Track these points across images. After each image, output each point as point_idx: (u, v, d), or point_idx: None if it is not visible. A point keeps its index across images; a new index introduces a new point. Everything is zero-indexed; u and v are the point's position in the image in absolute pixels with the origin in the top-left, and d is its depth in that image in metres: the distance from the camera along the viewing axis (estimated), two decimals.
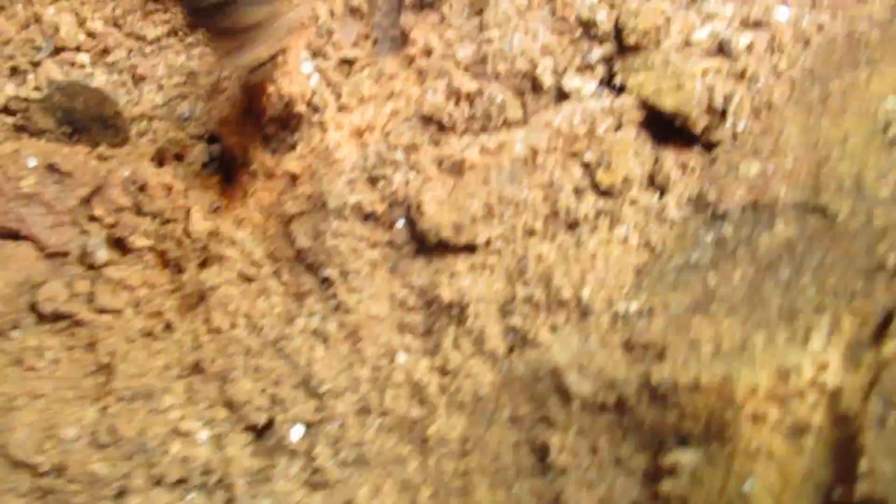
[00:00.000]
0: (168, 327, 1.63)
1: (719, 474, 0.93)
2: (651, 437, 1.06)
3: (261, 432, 1.61)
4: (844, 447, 0.84)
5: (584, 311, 1.28)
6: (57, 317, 1.63)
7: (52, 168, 1.56)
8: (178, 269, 1.69)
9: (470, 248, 1.38)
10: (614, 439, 1.12)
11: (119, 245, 1.67)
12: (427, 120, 1.47)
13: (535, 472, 1.23)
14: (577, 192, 1.34)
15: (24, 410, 1.53)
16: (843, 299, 0.93)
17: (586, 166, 1.36)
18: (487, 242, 1.36)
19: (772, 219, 1.12)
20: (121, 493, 1.55)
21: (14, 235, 1.56)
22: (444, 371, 1.39)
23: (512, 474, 1.26)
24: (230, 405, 1.57)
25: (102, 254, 1.64)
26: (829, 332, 0.92)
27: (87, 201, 1.63)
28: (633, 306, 1.22)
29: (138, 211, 1.67)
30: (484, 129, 1.43)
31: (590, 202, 1.33)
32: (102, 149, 1.69)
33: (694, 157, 1.31)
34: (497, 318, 1.36)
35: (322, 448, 1.46)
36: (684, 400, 0.99)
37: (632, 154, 1.33)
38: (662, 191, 1.32)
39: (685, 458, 0.98)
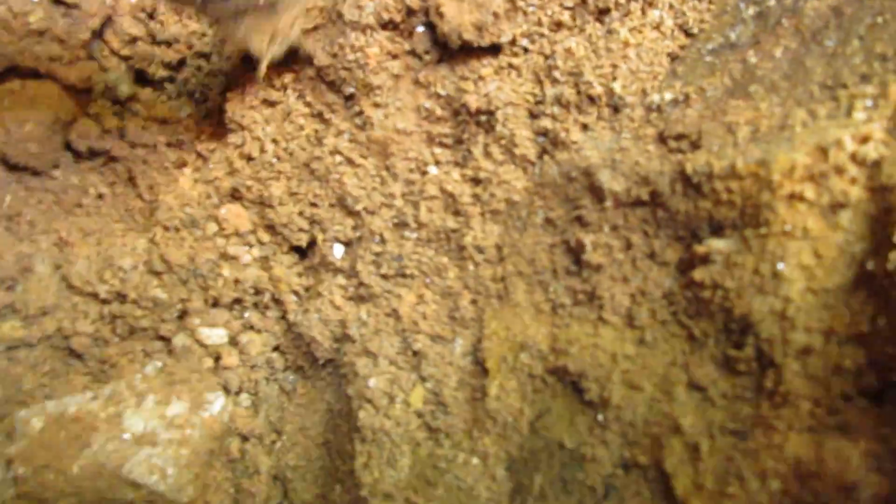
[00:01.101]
0: (201, 157, 1.64)
1: (752, 257, 0.92)
2: (684, 229, 1.05)
3: (304, 252, 1.66)
4: (881, 219, 0.82)
5: (616, 106, 1.23)
6: (93, 153, 1.65)
7: (57, 0, 1.50)
8: (203, 98, 1.67)
9: (494, 50, 1.31)
10: (648, 233, 1.11)
11: (140, 77, 1.65)
12: None
13: (571, 272, 1.25)
14: None
15: (79, 245, 1.60)
16: (891, 64, 0.86)
17: None
18: (512, 41, 1.29)
19: None
20: (182, 315, 1.65)
21: (34, 74, 1.55)
22: (476, 180, 1.38)
23: (548, 275, 1.28)
24: (272, 229, 1.61)
25: (125, 87, 1.62)
26: (874, 101, 0.86)
27: (99, 34, 1.59)
28: (668, 96, 1.16)
29: (153, 40, 1.63)
30: None
31: None
32: None
33: None
34: (526, 121, 1.32)
35: (363, 264, 1.50)
36: (719, 187, 0.96)
37: None
38: None
39: (719, 245, 0.97)
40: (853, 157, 0.84)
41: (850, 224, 0.85)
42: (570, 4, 1.26)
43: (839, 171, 0.85)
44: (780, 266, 0.89)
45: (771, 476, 0.88)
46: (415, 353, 1.43)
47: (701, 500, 0.94)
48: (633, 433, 1.06)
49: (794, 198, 0.88)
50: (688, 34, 1.22)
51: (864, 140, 0.84)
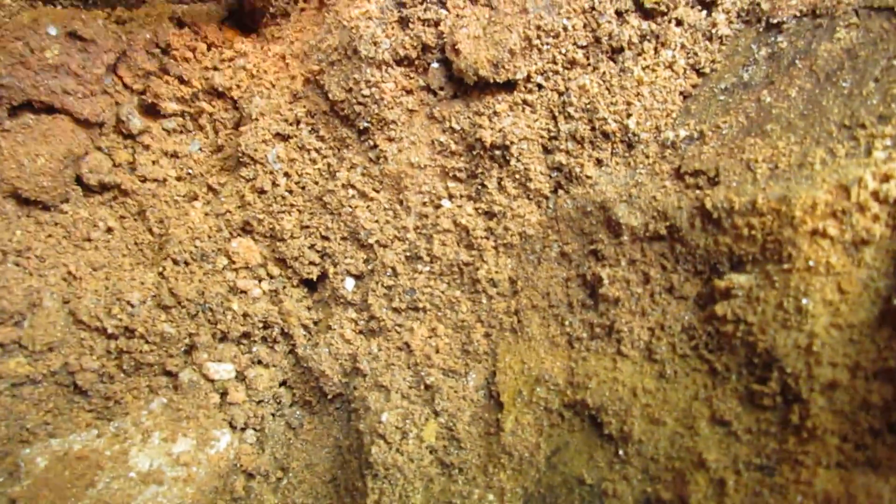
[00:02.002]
0: (212, 190, 1.64)
1: (776, 292, 0.93)
2: (703, 263, 1.06)
3: (314, 286, 1.66)
4: None
5: (630, 143, 1.25)
6: (103, 187, 1.65)
7: (73, 35, 1.51)
8: (214, 132, 1.68)
9: (509, 86, 1.33)
10: (666, 267, 1.12)
11: (151, 111, 1.66)
12: None
13: (587, 305, 1.25)
14: (620, 15, 1.26)
15: (87, 279, 1.59)
16: None
17: None
18: (527, 78, 1.31)
19: (832, 25, 1.04)
20: (190, 350, 1.64)
21: (48, 109, 1.55)
22: (489, 214, 1.39)
23: (564, 309, 1.29)
24: (282, 262, 1.61)
25: (137, 122, 1.63)
26: (894, 141, 0.88)
27: (113, 68, 1.60)
28: (682, 133, 1.18)
29: (165, 74, 1.64)
30: None
31: (633, 26, 1.25)
32: (120, 11, 1.62)
33: None
34: (540, 156, 1.33)
35: (375, 297, 1.50)
36: (740, 223, 0.98)
37: None
38: (710, 6, 1.24)
39: (741, 279, 0.98)
40: (875, 195, 0.86)
41: (873, 260, 0.86)
42: (583, 43, 1.28)
43: (861, 208, 0.86)
44: (805, 301, 0.90)
45: None
46: (427, 388, 1.42)
47: None
48: (655, 468, 1.06)
49: (817, 234, 0.89)
50: (699, 73, 1.24)
51: (886, 178, 0.85)
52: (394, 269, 1.48)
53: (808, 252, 0.90)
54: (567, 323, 1.27)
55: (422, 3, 1.36)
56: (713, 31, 1.23)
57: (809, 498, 0.88)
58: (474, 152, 1.38)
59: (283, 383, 1.71)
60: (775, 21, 1.15)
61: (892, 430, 0.84)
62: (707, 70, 1.24)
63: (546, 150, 1.33)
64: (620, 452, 1.11)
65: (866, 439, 0.86)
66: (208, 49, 1.67)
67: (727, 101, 1.16)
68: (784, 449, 0.92)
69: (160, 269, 1.60)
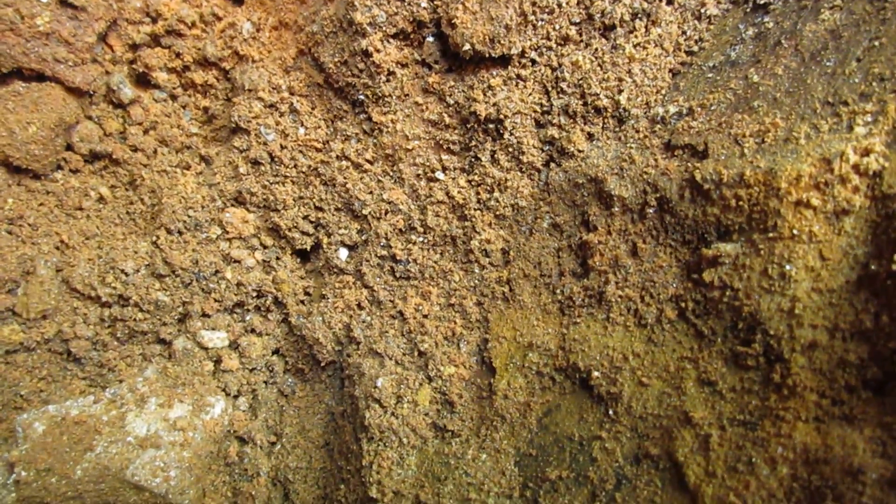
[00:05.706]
0: (204, 160, 1.66)
1: (760, 259, 0.99)
2: (691, 233, 1.12)
3: (308, 256, 1.69)
4: (883, 225, 0.89)
5: (621, 118, 1.30)
6: (95, 156, 1.65)
7: (64, 3, 1.50)
8: (206, 102, 1.68)
9: (504, 61, 1.36)
10: (655, 237, 1.17)
11: (142, 80, 1.66)
12: None
13: (578, 274, 1.31)
14: None
15: (80, 248, 1.60)
16: (888, 84, 0.94)
17: None
18: (522, 53, 1.34)
19: (817, 7, 1.10)
20: (184, 318, 1.66)
21: (39, 77, 1.55)
22: (483, 186, 1.43)
23: (555, 278, 1.34)
24: (276, 232, 1.64)
25: (128, 91, 1.63)
26: (874, 117, 0.94)
27: (103, 36, 1.60)
28: (672, 109, 1.23)
29: (156, 44, 1.64)
30: None
31: (626, 4, 1.29)
32: None
33: None
34: (533, 130, 1.37)
35: (369, 267, 1.54)
36: (728, 194, 1.03)
37: None
38: None
39: (728, 248, 1.04)
40: (856, 168, 0.91)
41: (853, 229, 0.92)
42: (577, 20, 1.32)
43: (843, 180, 0.92)
44: (788, 268, 0.96)
45: (780, 463, 0.95)
46: (421, 354, 1.47)
47: (713, 486, 1.00)
48: (644, 426, 1.12)
49: (801, 205, 0.95)
50: (688, 51, 1.29)
51: (866, 153, 0.91)
52: (387, 239, 1.52)
53: (793, 221, 0.96)
54: (558, 291, 1.32)
55: None
56: (702, 10, 1.28)
57: (789, 450, 0.95)
58: (468, 125, 1.41)
59: (275, 351, 1.74)
60: (762, 2, 1.20)
61: (866, 386, 0.91)
62: (696, 48, 1.29)
63: (539, 124, 1.37)
64: (610, 412, 1.17)
65: (843, 395, 0.92)
66: (200, 19, 1.67)
67: (715, 78, 1.21)
68: (766, 405, 0.99)
69: (154, 238, 1.61)
